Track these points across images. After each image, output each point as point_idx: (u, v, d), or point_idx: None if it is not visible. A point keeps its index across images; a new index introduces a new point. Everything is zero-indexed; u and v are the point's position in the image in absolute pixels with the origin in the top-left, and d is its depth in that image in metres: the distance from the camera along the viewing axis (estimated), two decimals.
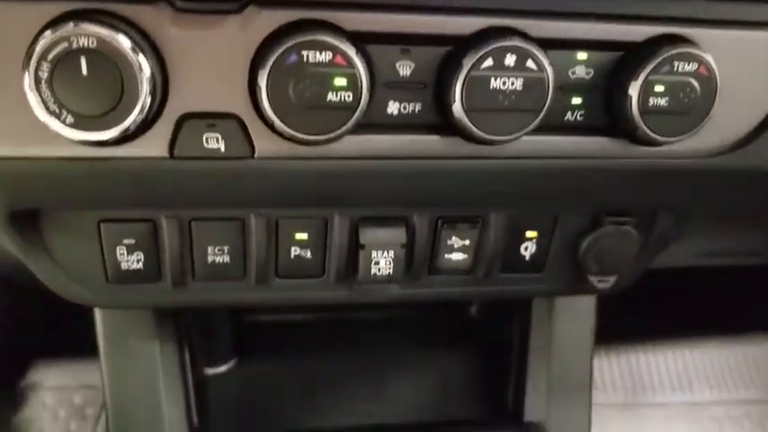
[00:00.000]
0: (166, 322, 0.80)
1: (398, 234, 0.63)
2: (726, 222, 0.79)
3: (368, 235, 0.62)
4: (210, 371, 0.96)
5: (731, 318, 1.59)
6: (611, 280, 0.70)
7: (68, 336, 0.88)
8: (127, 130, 0.47)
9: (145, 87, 0.45)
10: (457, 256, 0.66)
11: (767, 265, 1.04)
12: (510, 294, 0.71)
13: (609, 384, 1.53)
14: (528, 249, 0.68)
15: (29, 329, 1.38)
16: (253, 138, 0.51)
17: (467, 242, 0.65)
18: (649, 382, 1.54)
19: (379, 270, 0.64)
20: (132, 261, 0.61)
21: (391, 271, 0.64)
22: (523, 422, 0.88)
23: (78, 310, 0.79)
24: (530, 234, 0.67)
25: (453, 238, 0.65)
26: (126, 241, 0.60)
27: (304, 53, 0.46)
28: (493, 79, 0.49)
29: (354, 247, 0.63)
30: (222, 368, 0.96)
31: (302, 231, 0.62)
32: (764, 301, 1.55)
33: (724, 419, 1.52)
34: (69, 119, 0.46)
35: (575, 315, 0.88)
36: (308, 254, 0.63)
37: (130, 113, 0.47)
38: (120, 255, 0.60)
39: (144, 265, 0.61)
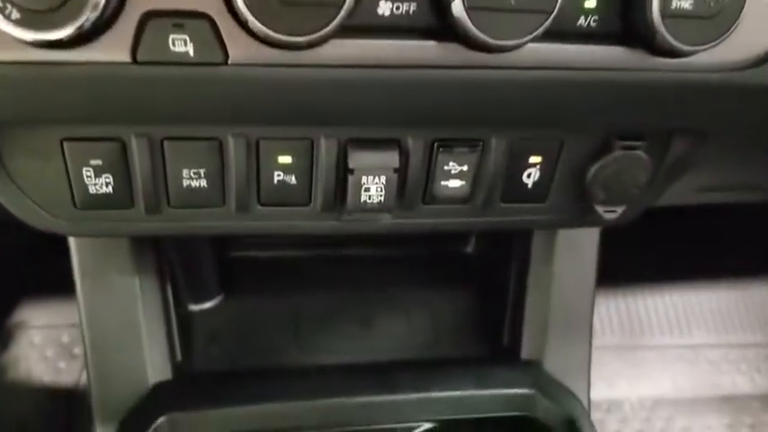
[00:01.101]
0: (145, 254, 0.76)
1: (390, 158, 0.57)
2: (731, 151, 0.74)
3: (357, 158, 0.57)
4: (195, 307, 0.92)
5: (730, 260, 1.57)
6: (619, 210, 0.65)
7: (55, 273, 0.84)
8: (81, 28, 0.41)
9: None
10: (454, 183, 0.61)
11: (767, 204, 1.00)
12: (510, 226, 0.66)
13: (606, 326, 1.52)
14: (531, 176, 0.63)
15: (14, 267, 1.35)
16: (225, 40, 0.45)
17: (465, 168, 0.60)
18: (647, 324, 1.54)
19: (369, 197, 0.59)
20: (101, 184, 0.55)
21: (382, 198, 0.59)
22: (520, 360, 0.85)
23: (64, 247, 0.75)
24: (533, 159, 0.62)
25: (450, 163, 0.60)
26: (93, 162, 0.54)
27: None
28: None
29: (343, 173, 0.58)
30: (208, 304, 0.92)
31: (285, 154, 0.57)
32: (764, 243, 1.53)
33: (721, 362, 1.52)
34: (15, 14, 0.41)
35: (577, 250, 0.84)
36: (293, 179, 0.58)
37: (84, 9, 0.41)
38: (88, 177, 0.55)
39: (114, 188, 0.56)
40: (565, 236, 0.85)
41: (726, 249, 1.58)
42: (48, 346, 1.32)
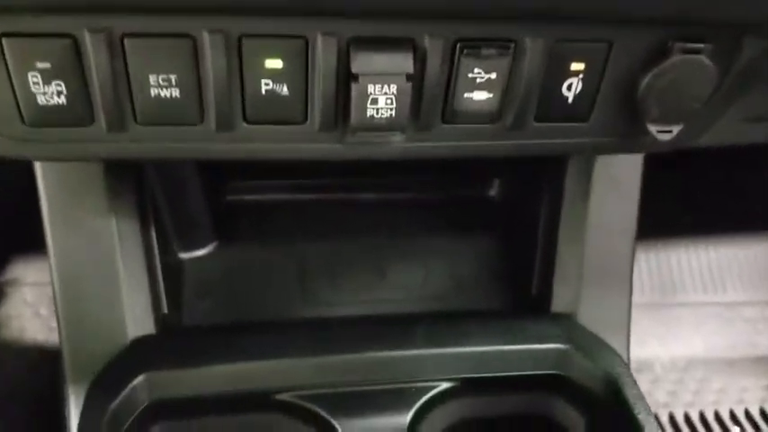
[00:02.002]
0: (124, 191, 0.66)
1: (403, 61, 0.47)
2: None
3: (362, 61, 0.46)
4: (186, 255, 0.82)
5: (765, 213, 1.47)
6: (675, 131, 0.55)
7: None
8: None
9: None
10: (480, 96, 0.50)
11: None
12: (544, 151, 0.56)
13: (636, 283, 1.43)
14: (572, 88, 0.52)
15: (5, 223, 1.28)
16: None
17: (493, 75, 0.49)
18: (679, 280, 1.46)
19: (377, 112, 0.49)
20: (51, 93, 0.46)
21: (393, 113, 0.49)
22: (550, 312, 0.75)
23: None
24: (576, 66, 0.51)
25: (476, 69, 0.49)
26: (40, 65, 0.45)
27: None
28: None
29: (345, 81, 0.48)
30: (200, 252, 0.83)
31: (274, 56, 0.47)
32: None
33: (758, 320, 1.45)
34: None
35: (617, 187, 0.74)
36: (284, 89, 0.48)
37: None
38: (35, 84, 0.45)
39: (67, 99, 0.46)
40: (603, 172, 0.74)
41: (763, 203, 1.48)
42: (41, 303, 1.26)
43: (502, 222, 0.90)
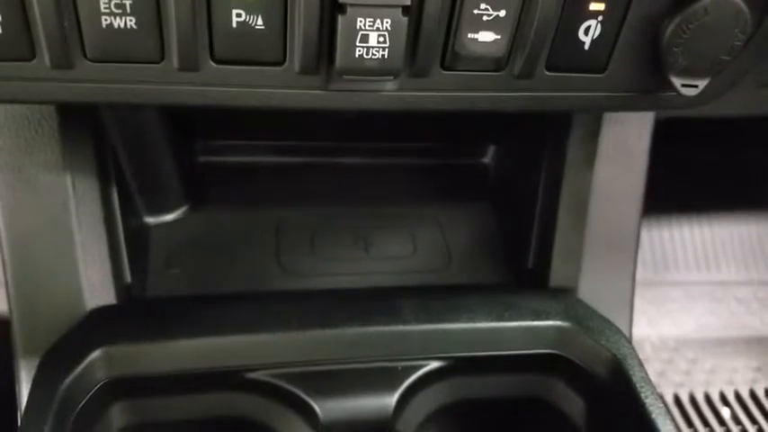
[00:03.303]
0: (79, 143, 0.59)
1: None
2: None
3: None
4: (153, 219, 0.75)
5: (761, 193, 1.46)
6: (701, 85, 0.49)
7: None
8: None
9: None
10: (486, 36, 0.44)
11: None
12: (554, 105, 0.50)
13: None
14: (589, 32, 0.46)
15: None
16: None
17: (502, 13, 0.43)
18: (672, 258, 1.45)
19: (367, 51, 0.42)
20: None
21: (386, 53, 0.42)
22: (548, 287, 0.70)
23: None
24: (594, 6, 0.45)
25: (482, 5, 0.43)
26: None
27: None
28: None
29: (331, 12, 0.41)
30: (169, 216, 0.75)
31: None
32: None
33: (751, 300, 1.43)
34: None
35: (624, 155, 0.68)
36: (259, 21, 0.41)
37: None
38: None
39: (3, 28, 0.39)
40: (610, 138, 0.69)
41: (760, 182, 1.46)
42: None
43: (496, 191, 0.85)
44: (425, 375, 0.63)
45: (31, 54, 0.41)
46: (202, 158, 0.82)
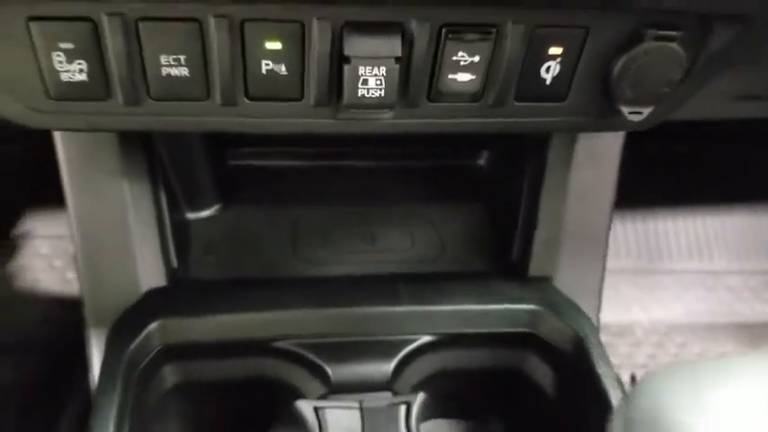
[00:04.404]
0: (135, 156, 0.72)
1: (392, 44, 0.51)
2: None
3: (354, 44, 0.51)
4: (192, 215, 0.88)
5: (755, 184, 1.50)
6: (645, 112, 0.59)
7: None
8: None
9: None
10: (463, 77, 0.55)
11: None
12: (524, 128, 0.60)
13: (623, 249, 1.47)
14: (550, 70, 0.56)
15: (19, 178, 1.32)
16: None
17: (476, 59, 0.54)
18: (665, 248, 1.48)
19: (368, 91, 0.53)
20: (74, 71, 0.50)
21: (383, 93, 0.53)
22: (528, 276, 0.81)
23: None
24: (554, 50, 0.55)
25: (460, 53, 0.53)
26: (63, 45, 0.49)
27: None
28: None
29: (338, 62, 0.52)
30: (205, 213, 0.89)
31: (274, 39, 0.51)
32: None
33: (742, 289, 1.46)
34: None
35: (597, 160, 0.78)
36: (283, 68, 0.52)
37: None
38: (59, 62, 0.50)
39: (88, 76, 0.51)
40: (585, 145, 0.78)
41: (751, 173, 1.50)
42: (55, 256, 1.31)
43: (489, 191, 0.95)
44: (418, 348, 0.76)
45: (109, 95, 0.53)
46: (232, 163, 0.95)
